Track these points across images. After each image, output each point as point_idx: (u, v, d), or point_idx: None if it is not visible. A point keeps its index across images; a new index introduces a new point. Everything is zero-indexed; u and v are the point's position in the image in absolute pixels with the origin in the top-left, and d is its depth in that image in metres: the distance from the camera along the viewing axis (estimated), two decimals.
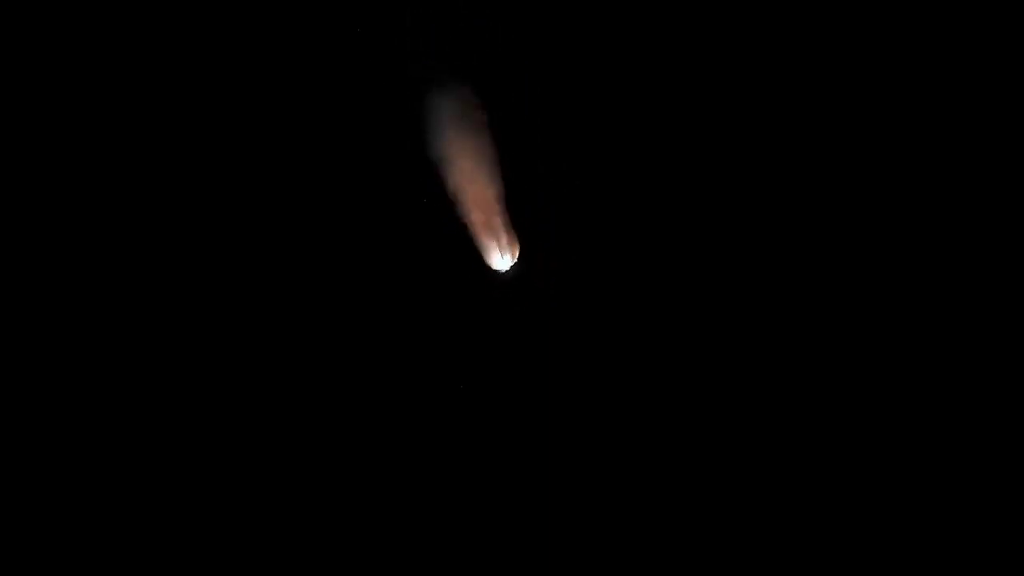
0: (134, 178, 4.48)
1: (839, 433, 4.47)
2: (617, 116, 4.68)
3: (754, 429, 4.54)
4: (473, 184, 4.55)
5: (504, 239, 4.66)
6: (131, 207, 4.47)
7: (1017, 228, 4.36)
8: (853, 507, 4.38)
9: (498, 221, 4.61)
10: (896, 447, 4.40)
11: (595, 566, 4.47)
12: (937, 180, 4.48)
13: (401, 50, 4.56)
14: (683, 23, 4.59)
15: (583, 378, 4.71)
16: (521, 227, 4.67)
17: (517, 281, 4.76)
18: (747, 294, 4.62)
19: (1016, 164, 4.37)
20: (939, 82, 4.45)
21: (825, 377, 4.53)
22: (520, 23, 4.58)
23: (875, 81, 4.51)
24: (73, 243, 4.40)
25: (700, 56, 4.60)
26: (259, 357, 4.57)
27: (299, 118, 4.58)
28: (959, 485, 4.29)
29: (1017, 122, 4.36)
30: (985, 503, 4.23)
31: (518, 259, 4.73)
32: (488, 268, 4.71)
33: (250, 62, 4.52)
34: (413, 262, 4.71)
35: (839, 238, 4.56)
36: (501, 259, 4.71)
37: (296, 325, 4.62)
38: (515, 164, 4.62)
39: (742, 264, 4.63)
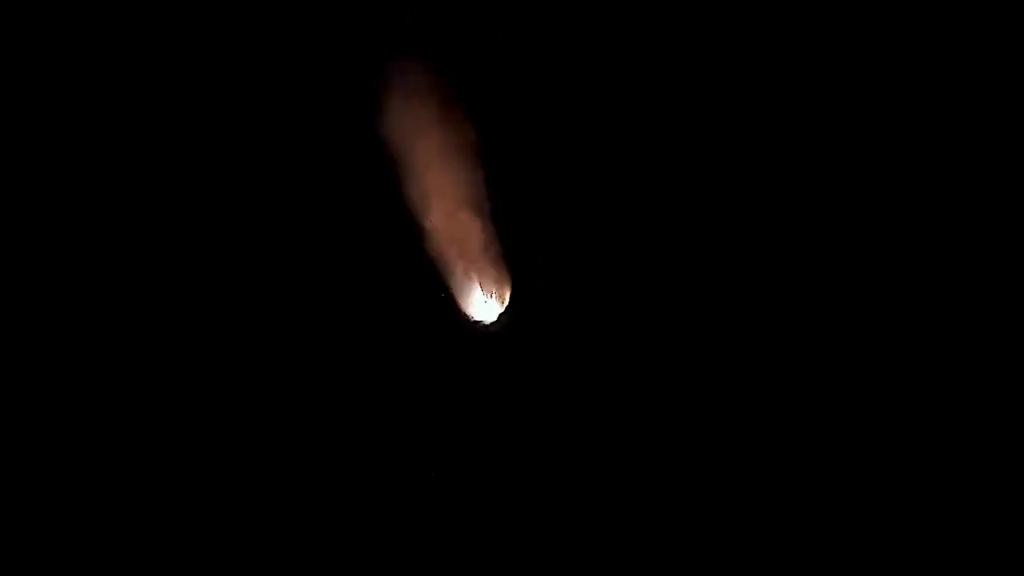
0: (123, 173, 4.44)
1: (837, 437, 4.48)
2: (619, 130, 4.47)
3: (750, 462, 4.44)
4: (456, 213, 3.63)
5: (491, 279, 3.69)
6: (119, 202, 4.42)
7: (1017, 228, 4.38)
8: (853, 507, 4.40)
9: (485, 257, 3.65)
10: (896, 447, 4.42)
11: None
12: (937, 180, 4.49)
13: (401, 51, 4.50)
14: (679, 37, 4.52)
15: (584, 433, 4.17)
16: (513, 264, 3.74)
17: (505, 333, 3.80)
18: (747, 329, 4.28)
19: (1016, 164, 4.39)
20: (939, 82, 4.47)
21: (821, 392, 4.49)
22: (516, 31, 4.49)
23: (874, 81, 4.52)
24: (59, 240, 4.37)
25: (696, 72, 4.50)
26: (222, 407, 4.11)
27: (274, 138, 4.10)
28: (959, 485, 4.31)
29: (1017, 122, 4.38)
30: (985, 503, 4.26)
31: (508, 305, 3.76)
32: (468, 317, 3.73)
33: (240, 61, 4.45)
34: (380, 312, 3.90)
35: (836, 250, 4.54)
36: (485, 304, 3.73)
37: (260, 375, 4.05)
38: (507, 187, 3.85)
39: (740, 297, 4.46)
